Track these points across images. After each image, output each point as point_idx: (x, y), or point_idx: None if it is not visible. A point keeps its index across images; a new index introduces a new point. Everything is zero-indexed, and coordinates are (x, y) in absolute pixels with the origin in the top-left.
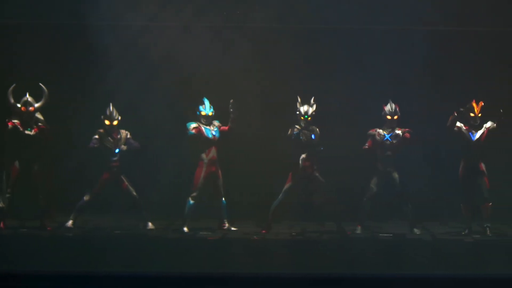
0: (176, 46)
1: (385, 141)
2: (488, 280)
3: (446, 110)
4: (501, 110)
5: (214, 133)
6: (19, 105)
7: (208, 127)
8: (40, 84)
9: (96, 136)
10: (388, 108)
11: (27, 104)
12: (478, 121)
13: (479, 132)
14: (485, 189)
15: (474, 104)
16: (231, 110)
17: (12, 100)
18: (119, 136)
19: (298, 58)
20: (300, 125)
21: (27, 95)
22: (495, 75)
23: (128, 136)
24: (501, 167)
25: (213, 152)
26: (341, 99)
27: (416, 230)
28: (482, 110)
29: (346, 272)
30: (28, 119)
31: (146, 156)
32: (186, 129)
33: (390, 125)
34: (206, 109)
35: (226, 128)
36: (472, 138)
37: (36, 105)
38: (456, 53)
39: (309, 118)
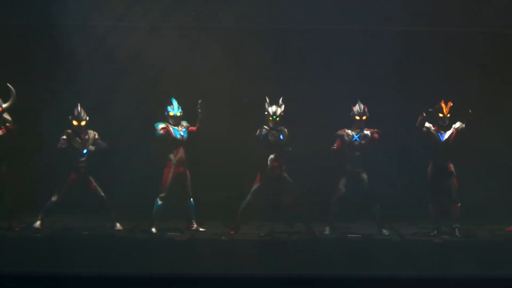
0: (144, 46)
1: (353, 141)
2: (458, 281)
3: (414, 110)
4: (470, 111)
5: (182, 133)
6: None
7: (176, 127)
8: (8, 84)
9: (64, 137)
10: (356, 108)
11: None
12: (447, 122)
13: (448, 133)
14: (454, 189)
15: (442, 105)
16: (199, 110)
17: None
18: (87, 137)
19: (266, 58)
20: (268, 126)
21: None
22: (464, 76)
23: (96, 136)
24: (469, 168)
25: (181, 152)
26: (310, 99)
27: (384, 231)
28: (450, 110)
29: (315, 272)
30: None
31: (114, 157)
32: (154, 129)
33: (358, 126)
34: (174, 109)
35: (194, 128)
36: (441, 138)
37: (4, 105)
38: (425, 54)
39: (278, 119)
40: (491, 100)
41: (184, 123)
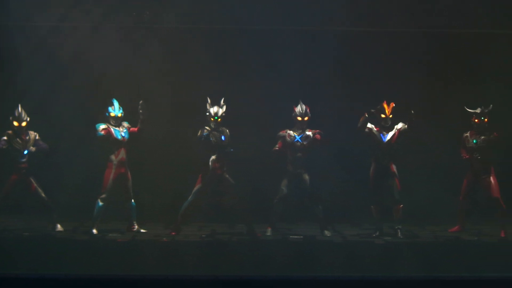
0: (85, 46)
1: (295, 142)
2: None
3: (357, 111)
4: (412, 111)
5: (123, 134)
6: None
7: (117, 128)
8: None
9: (4, 137)
10: (298, 109)
11: None
12: (389, 122)
13: (390, 133)
14: (396, 190)
15: (385, 105)
16: (141, 111)
17: None
18: (27, 138)
19: (208, 59)
20: (210, 126)
21: None
22: (406, 76)
23: (37, 137)
24: (412, 169)
25: (122, 153)
26: (252, 100)
27: (326, 232)
28: (393, 111)
29: (256, 274)
30: None
31: (55, 158)
32: (95, 130)
33: (300, 126)
34: (115, 110)
35: (136, 129)
36: (383, 139)
37: None
38: (367, 54)
39: (219, 119)
40: (433, 100)
41: (125, 124)
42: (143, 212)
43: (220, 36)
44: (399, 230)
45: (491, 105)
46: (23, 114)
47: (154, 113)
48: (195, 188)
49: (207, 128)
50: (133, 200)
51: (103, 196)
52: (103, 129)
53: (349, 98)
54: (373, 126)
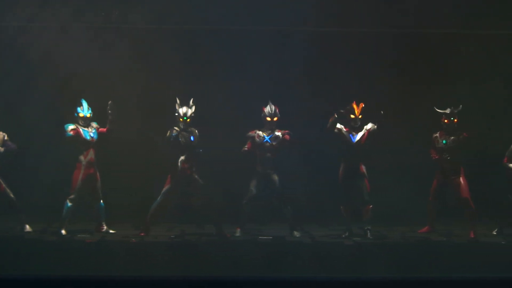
0: (54, 46)
1: (264, 142)
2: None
3: (326, 111)
4: (382, 112)
5: (92, 134)
6: None
7: (86, 128)
8: None
9: None
10: (267, 109)
11: None
12: (359, 123)
13: (360, 134)
14: (366, 191)
15: (354, 106)
16: (109, 111)
17: None
18: None
19: (177, 59)
20: (179, 127)
21: None
22: (376, 76)
23: (5, 138)
24: (381, 169)
25: (91, 154)
26: (221, 100)
27: (296, 233)
28: (362, 111)
29: (225, 275)
30: None
31: (24, 158)
32: (64, 130)
33: (269, 127)
34: (84, 110)
35: (104, 129)
36: (353, 140)
37: None
38: (337, 54)
39: (188, 120)
40: (402, 101)
41: (94, 124)
42: (112, 213)
43: (189, 36)
44: (368, 231)
45: (461, 106)
46: None
47: (123, 113)
48: (164, 189)
49: (176, 128)
50: (101, 201)
51: (72, 196)
52: (72, 129)
53: (318, 98)
54: (342, 126)
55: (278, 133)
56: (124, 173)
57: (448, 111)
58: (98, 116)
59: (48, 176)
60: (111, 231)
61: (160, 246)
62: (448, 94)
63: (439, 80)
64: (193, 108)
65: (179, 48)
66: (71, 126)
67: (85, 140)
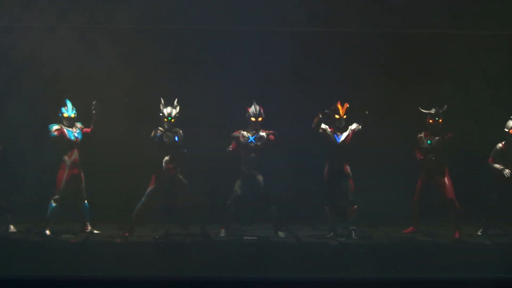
0: (39, 47)
1: (249, 143)
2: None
3: (311, 111)
4: (367, 112)
5: (76, 135)
6: None
7: (70, 129)
8: None
9: None
10: (252, 109)
11: None
12: (343, 123)
13: (344, 134)
14: (350, 191)
15: (339, 106)
16: (94, 112)
17: None
18: None
19: (162, 59)
20: (163, 127)
21: None
22: (361, 77)
23: None
24: (366, 170)
25: (75, 154)
26: (206, 100)
27: (280, 233)
28: (347, 111)
29: (210, 275)
30: None
31: (8, 158)
32: (48, 131)
33: (254, 127)
34: (69, 110)
35: (89, 130)
36: (337, 140)
37: None
38: (321, 54)
39: (173, 120)
40: (387, 101)
41: (78, 125)
42: (96, 213)
43: (174, 37)
44: (353, 231)
45: (446, 106)
46: None
47: (107, 113)
48: (149, 189)
49: (160, 128)
50: (86, 201)
51: (56, 197)
52: (56, 129)
53: (303, 98)
54: (327, 126)
55: (262, 134)
56: (108, 174)
57: (433, 111)
58: (82, 116)
59: (32, 176)
60: (95, 232)
61: (144, 247)
62: (433, 94)
63: (424, 80)
64: (178, 108)
65: (163, 48)
66: (55, 127)
67: (69, 140)
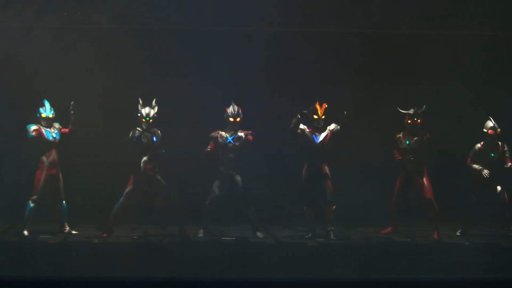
0: (17, 47)
1: (227, 143)
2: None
3: (289, 112)
4: (345, 112)
5: (54, 135)
6: None
7: (48, 129)
8: None
9: None
10: (230, 110)
11: None
12: (322, 123)
13: (323, 135)
14: (329, 192)
15: (317, 106)
16: (72, 112)
17: None
18: None
19: (139, 59)
20: (141, 127)
21: None
22: (339, 77)
23: None
24: (344, 170)
25: (53, 154)
26: (184, 101)
27: (259, 234)
28: (325, 112)
29: (188, 276)
30: None
31: None
32: (26, 131)
33: (232, 127)
34: (47, 111)
35: (67, 130)
36: (316, 140)
37: None
38: (300, 55)
39: (151, 120)
40: (366, 101)
41: (57, 125)
42: (75, 214)
43: (151, 37)
44: (331, 232)
45: (424, 106)
46: None
47: (85, 114)
48: (127, 189)
49: (138, 129)
50: (64, 202)
51: (34, 197)
52: (34, 130)
53: (281, 98)
54: (305, 127)
55: (241, 134)
56: (86, 174)
57: (411, 111)
58: (60, 116)
59: (10, 176)
60: (73, 232)
61: (122, 247)
62: (412, 95)
63: (402, 81)
64: (156, 108)
65: (141, 49)
66: (33, 127)
67: (47, 140)
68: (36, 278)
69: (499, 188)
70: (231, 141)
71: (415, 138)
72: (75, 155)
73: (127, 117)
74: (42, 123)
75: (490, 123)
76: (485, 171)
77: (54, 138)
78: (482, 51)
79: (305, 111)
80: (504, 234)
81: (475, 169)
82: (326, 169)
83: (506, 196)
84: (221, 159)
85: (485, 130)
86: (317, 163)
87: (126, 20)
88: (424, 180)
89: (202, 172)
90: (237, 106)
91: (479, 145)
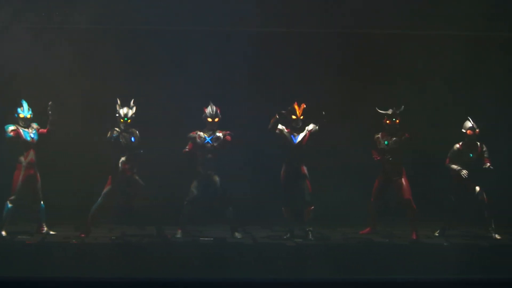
0: None
1: (205, 144)
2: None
3: (268, 112)
4: (324, 113)
5: (32, 135)
6: None
7: (26, 129)
8: None
9: None
10: (209, 110)
11: None
12: (300, 124)
13: (301, 135)
14: (307, 192)
15: (296, 106)
16: (50, 112)
17: None
18: None
19: (118, 60)
20: (119, 128)
21: None
22: (318, 77)
23: None
24: (323, 170)
25: (31, 155)
26: (162, 101)
27: (237, 234)
28: (304, 112)
29: (166, 276)
30: None
31: None
32: (4, 131)
33: (211, 128)
34: (24, 111)
35: (45, 130)
36: (294, 141)
37: None
38: (278, 55)
39: (129, 121)
40: (344, 101)
41: (35, 125)
42: (53, 214)
43: (130, 37)
44: (310, 232)
45: (403, 106)
46: None
47: (63, 114)
48: (105, 190)
49: (116, 129)
50: (42, 202)
51: (12, 198)
52: (12, 130)
53: (260, 99)
54: (284, 127)
55: (219, 134)
56: (64, 174)
57: (390, 112)
58: (38, 117)
59: None
60: (51, 232)
61: (100, 248)
62: (390, 95)
63: (380, 81)
64: (134, 108)
65: (119, 49)
66: (11, 127)
67: (25, 141)
68: (13, 279)
69: (477, 188)
70: (209, 141)
71: (394, 138)
72: (53, 155)
73: (105, 117)
74: (20, 124)
75: (468, 124)
76: (464, 172)
77: (32, 138)
78: (461, 51)
79: (283, 111)
80: (482, 234)
81: (454, 170)
82: (305, 169)
83: (485, 196)
84: (199, 160)
85: (464, 131)
86: (295, 163)
87: (104, 20)
88: (403, 180)
89: (180, 172)
90: (215, 106)
91: (457, 145)
